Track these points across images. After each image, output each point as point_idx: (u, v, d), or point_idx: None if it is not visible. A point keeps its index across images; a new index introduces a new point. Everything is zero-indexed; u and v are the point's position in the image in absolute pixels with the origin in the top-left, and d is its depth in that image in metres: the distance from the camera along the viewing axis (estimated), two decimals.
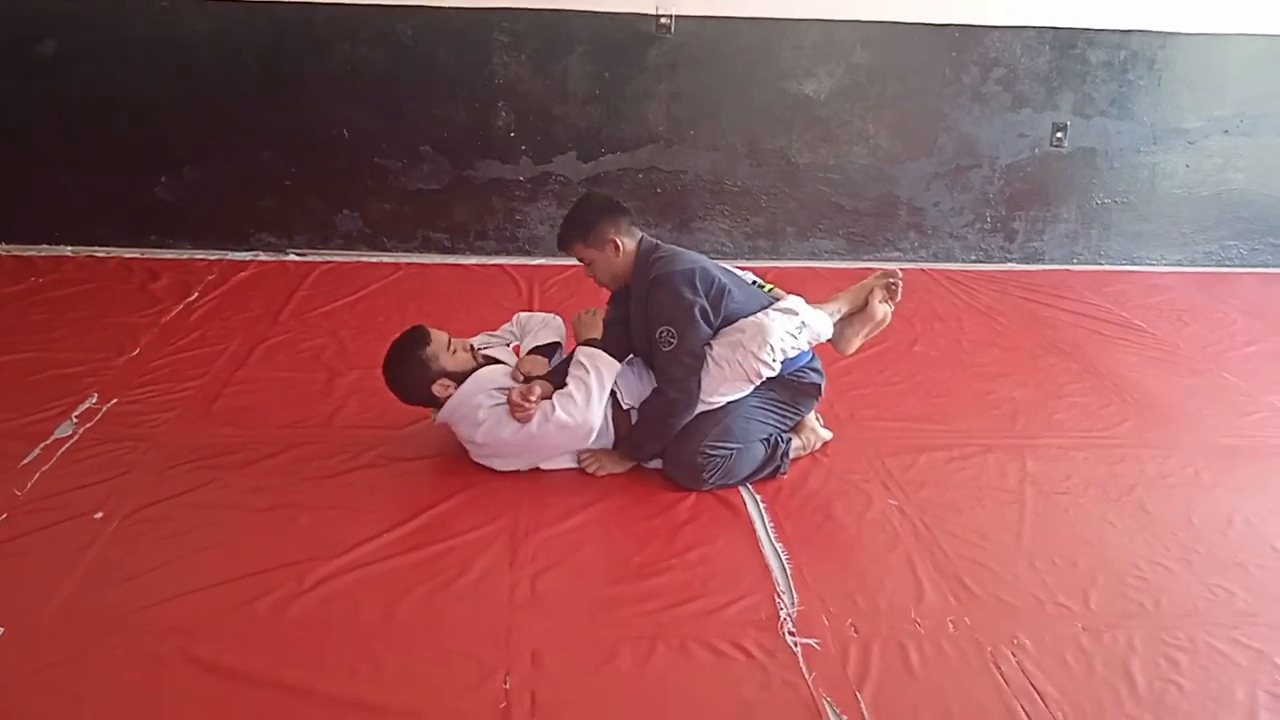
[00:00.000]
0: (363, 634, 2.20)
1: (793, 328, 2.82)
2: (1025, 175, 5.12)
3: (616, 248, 2.81)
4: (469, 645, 2.18)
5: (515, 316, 3.27)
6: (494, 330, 3.25)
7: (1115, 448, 3.22)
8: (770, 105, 4.89)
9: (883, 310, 3.10)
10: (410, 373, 2.82)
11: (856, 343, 3.14)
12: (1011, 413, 3.46)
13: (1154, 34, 4.92)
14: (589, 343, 2.89)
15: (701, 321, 2.72)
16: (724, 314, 2.78)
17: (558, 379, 2.83)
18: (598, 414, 2.76)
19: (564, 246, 2.87)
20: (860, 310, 3.12)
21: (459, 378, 2.81)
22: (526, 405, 2.69)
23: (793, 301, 2.92)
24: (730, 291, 2.80)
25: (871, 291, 3.12)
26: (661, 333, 2.72)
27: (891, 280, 3.12)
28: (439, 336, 2.84)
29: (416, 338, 2.83)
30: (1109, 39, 4.91)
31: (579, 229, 2.82)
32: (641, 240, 2.86)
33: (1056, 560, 2.59)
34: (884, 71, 4.88)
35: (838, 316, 3.07)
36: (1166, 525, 2.78)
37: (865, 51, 4.83)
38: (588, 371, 2.78)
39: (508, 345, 3.18)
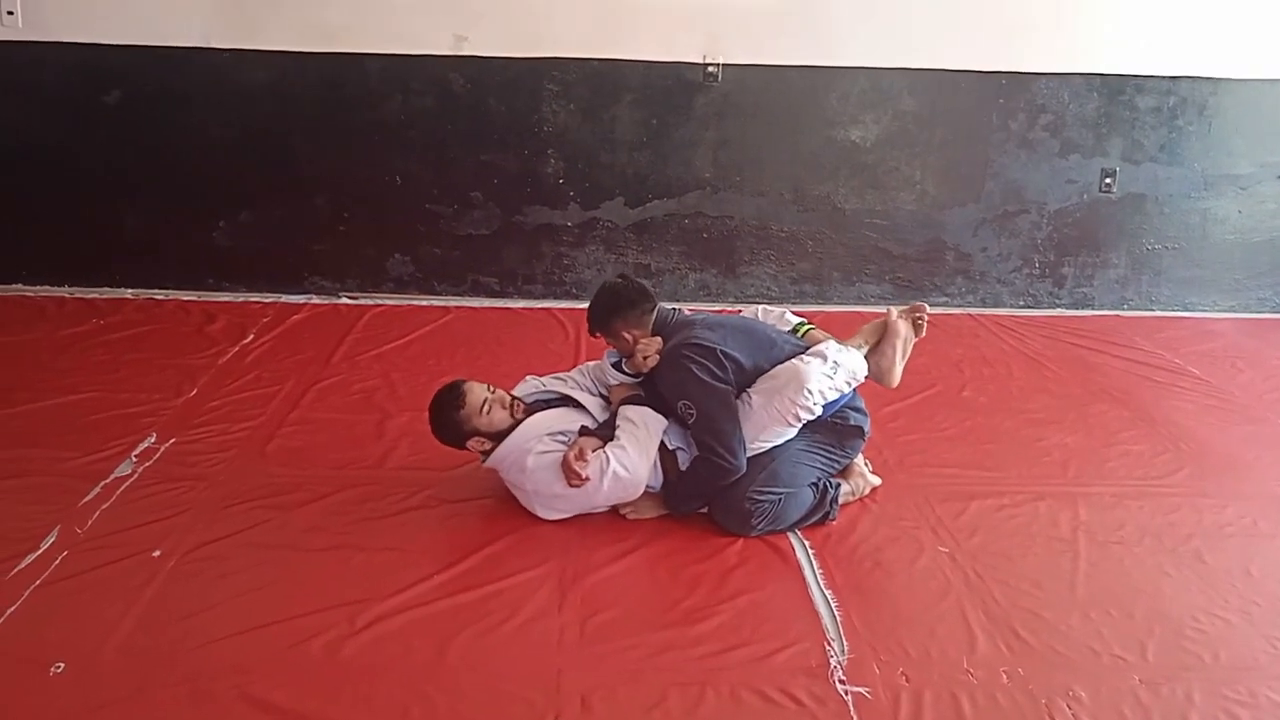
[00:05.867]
0: (414, 675, 2.22)
1: (827, 369, 2.83)
2: (1074, 221, 5.09)
3: (628, 341, 2.95)
4: (519, 688, 2.19)
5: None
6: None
7: (1170, 496, 3.17)
8: (817, 152, 4.92)
9: (903, 326, 3.06)
10: (445, 431, 2.88)
11: (897, 370, 3.07)
12: (1063, 460, 3.42)
13: (1203, 80, 4.90)
14: (632, 399, 2.93)
15: (711, 380, 2.76)
16: (749, 367, 2.82)
17: (605, 434, 2.86)
18: (648, 468, 2.80)
19: (591, 334, 3.07)
20: (882, 337, 3.08)
21: (495, 436, 2.83)
22: (580, 472, 2.73)
23: (821, 345, 2.93)
24: (732, 354, 2.79)
25: (889, 317, 3.08)
26: (681, 407, 2.81)
27: (919, 315, 3.11)
28: (473, 398, 2.82)
29: (452, 398, 2.85)
30: (1158, 85, 4.90)
31: (594, 326, 3.02)
32: (655, 319, 2.96)
33: (1112, 611, 2.55)
34: (931, 118, 4.90)
35: (865, 351, 3.04)
36: (1225, 576, 2.73)
37: (912, 99, 4.86)
38: (637, 426, 2.83)
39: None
